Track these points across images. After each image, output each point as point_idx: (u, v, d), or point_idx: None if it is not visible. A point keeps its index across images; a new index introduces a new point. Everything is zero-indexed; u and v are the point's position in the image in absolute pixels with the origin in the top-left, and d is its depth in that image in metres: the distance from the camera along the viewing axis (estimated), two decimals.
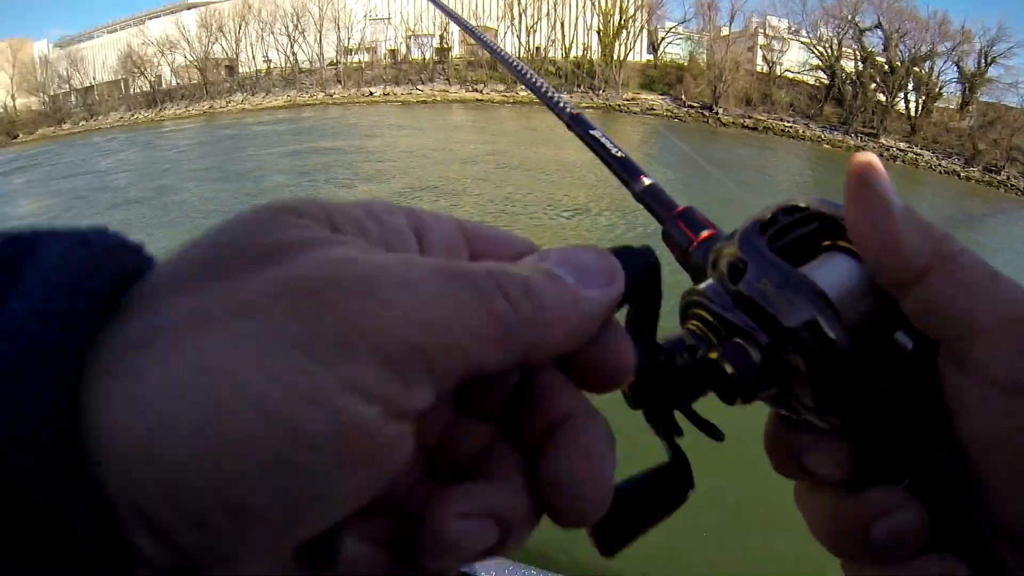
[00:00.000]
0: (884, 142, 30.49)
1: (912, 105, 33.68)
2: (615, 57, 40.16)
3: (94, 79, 56.37)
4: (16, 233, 0.20)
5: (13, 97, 59.11)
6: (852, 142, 30.72)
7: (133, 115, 52.32)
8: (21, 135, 56.96)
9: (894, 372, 0.26)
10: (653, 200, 0.35)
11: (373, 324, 0.18)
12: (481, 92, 41.00)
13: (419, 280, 0.19)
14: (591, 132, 0.45)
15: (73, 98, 56.70)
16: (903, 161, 29.20)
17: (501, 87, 40.52)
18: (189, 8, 53.59)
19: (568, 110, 0.49)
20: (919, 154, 30.79)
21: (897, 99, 33.90)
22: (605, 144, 0.42)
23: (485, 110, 35.53)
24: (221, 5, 51.25)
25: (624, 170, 0.39)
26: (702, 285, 0.29)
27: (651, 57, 42.37)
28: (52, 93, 56.71)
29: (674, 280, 0.27)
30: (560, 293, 0.22)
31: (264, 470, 0.16)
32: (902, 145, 30.62)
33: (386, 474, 0.19)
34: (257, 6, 48.73)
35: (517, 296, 0.21)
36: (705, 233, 0.32)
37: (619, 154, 0.40)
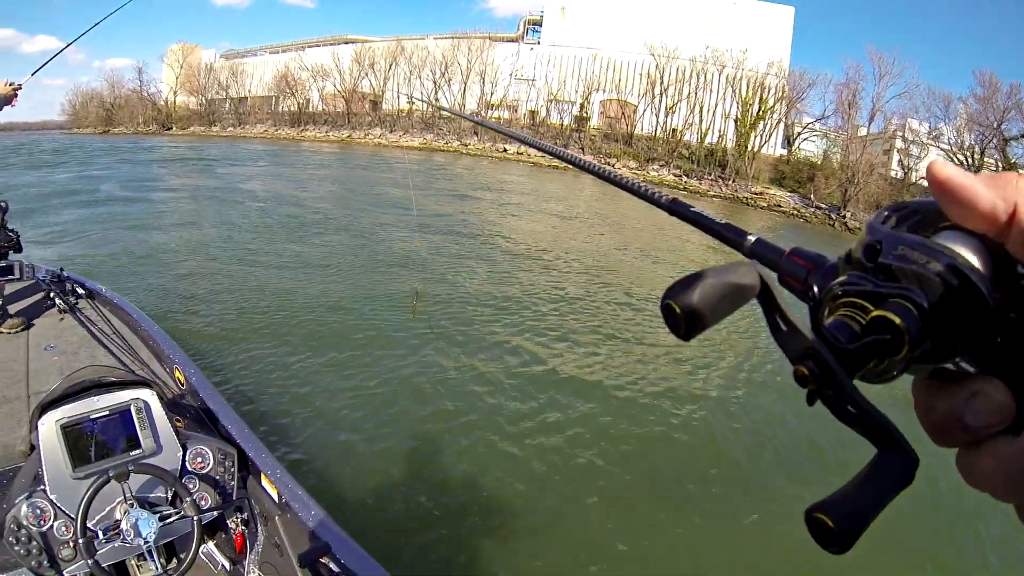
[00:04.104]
0: None
1: None
2: (749, 148, 40.07)
3: (249, 92, 60.71)
4: None
5: (175, 93, 67.15)
6: None
7: (277, 130, 55.96)
8: (175, 128, 63.46)
9: None
10: (764, 250, 0.40)
11: None
12: (612, 167, 42.41)
13: None
14: (692, 211, 0.48)
15: (227, 105, 61.19)
16: None
17: (633, 164, 41.54)
18: (346, 43, 57.84)
19: (664, 198, 0.51)
20: None
21: None
22: (708, 216, 0.47)
23: (615, 187, 36.43)
24: (376, 44, 54.95)
25: (731, 234, 0.44)
26: (840, 278, 0.33)
27: (784, 152, 42.43)
28: (210, 97, 61.66)
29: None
30: None
31: None
32: None
33: None
34: (409, 50, 51.66)
35: None
36: (819, 262, 0.36)
37: (723, 222, 0.45)
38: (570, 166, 0.73)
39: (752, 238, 0.42)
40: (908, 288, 0.30)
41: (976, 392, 0.30)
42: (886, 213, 0.34)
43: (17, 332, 4.00)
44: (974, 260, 0.30)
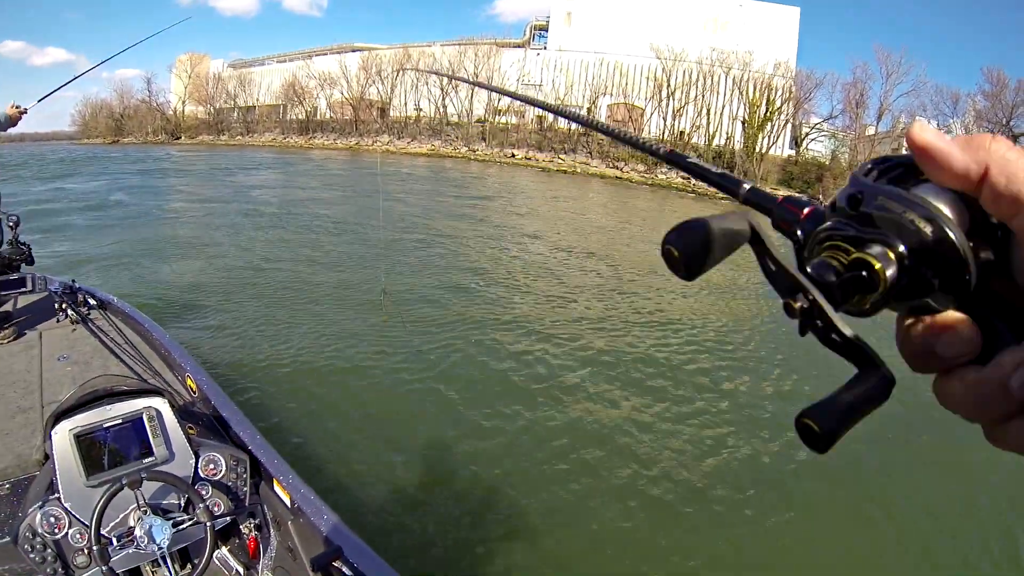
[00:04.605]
0: None
1: None
2: (757, 149, 39.92)
3: (257, 100, 61.17)
4: None
5: (184, 103, 67.46)
6: None
7: (285, 138, 56.32)
8: (184, 137, 61.51)
9: (998, 255, 0.33)
10: (758, 198, 0.43)
11: None
12: (621, 170, 41.79)
13: None
14: (688, 160, 0.50)
15: (235, 114, 61.41)
16: None
17: (641, 167, 41.21)
18: (353, 51, 57.94)
19: (663, 148, 0.53)
20: None
21: None
22: (704, 166, 0.48)
23: (624, 189, 36.36)
24: (383, 51, 55.11)
25: (727, 182, 0.46)
26: (826, 224, 0.37)
27: (792, 152, 41.88)
28: (218, 106, 62.17)
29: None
30: None
31: None
32: None
33: None
34: (416, 57, 51.90)
35: None
36: (808, 209, 0.39)
37: (719, 171, 0.47)
38: (590, 129, 0.74)
39: (747, 186, 0.44)
40: (885, 234, 0.33)
41: (947, 327, 0.34)
42: (868, 166, 0.36)
43: (9, 342, 4.03)
44: (947, 210, 0.32)
